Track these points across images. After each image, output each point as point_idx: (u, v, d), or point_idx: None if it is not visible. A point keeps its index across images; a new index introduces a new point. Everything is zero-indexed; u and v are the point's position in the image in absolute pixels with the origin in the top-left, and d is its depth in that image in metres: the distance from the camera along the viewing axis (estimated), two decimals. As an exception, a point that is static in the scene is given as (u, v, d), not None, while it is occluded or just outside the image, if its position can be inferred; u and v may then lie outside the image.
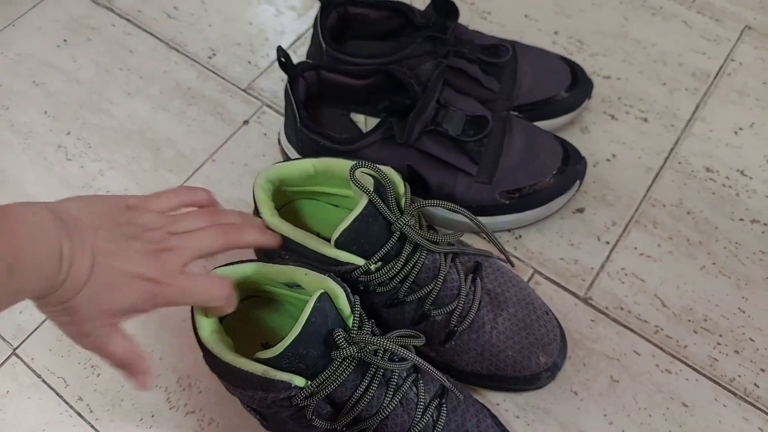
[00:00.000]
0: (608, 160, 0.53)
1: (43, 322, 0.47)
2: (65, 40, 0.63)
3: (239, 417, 0.44)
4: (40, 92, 0.60)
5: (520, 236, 0.50)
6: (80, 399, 0.45)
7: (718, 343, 0.46)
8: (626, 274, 0.48)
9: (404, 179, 0.41)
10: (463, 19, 0.58)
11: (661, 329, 0.46)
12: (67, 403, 0.45)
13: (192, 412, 0.44)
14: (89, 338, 0.32)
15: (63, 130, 0.57)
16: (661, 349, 0.46)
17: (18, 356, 0.46)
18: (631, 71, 0.57)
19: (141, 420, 0.44)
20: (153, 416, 0.44)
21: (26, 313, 0.48)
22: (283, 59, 0.43)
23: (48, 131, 0.57)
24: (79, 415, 0.44)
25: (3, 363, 0.46)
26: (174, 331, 0.47)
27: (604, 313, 0.47)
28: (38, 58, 0.62)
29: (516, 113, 0.49)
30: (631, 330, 0.46)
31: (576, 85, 0.51)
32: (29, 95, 0.60)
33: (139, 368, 0.33)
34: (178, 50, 0.62)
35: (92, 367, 0.46)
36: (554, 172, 0.47)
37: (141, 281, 0.32)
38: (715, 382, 0.44)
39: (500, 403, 0.44)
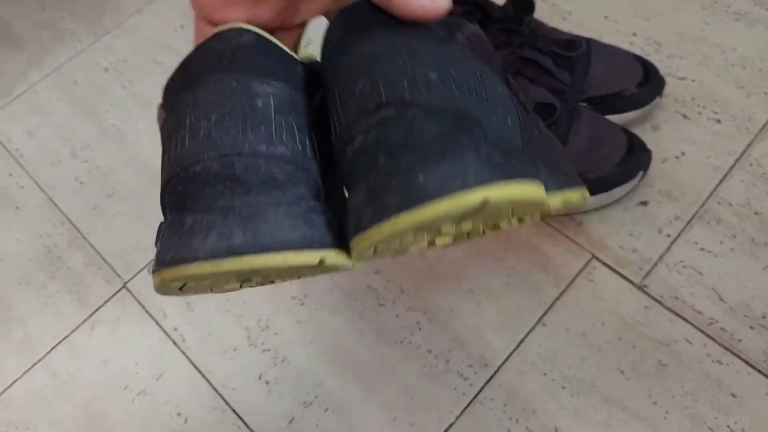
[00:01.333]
0: (677, 157, 0.55)
1: (149, 263, 0.55)
2: (182, 26, 0.72)
3: (308, 359, 0.49)
4: (159, 70, 0.68)
5: (581, 223, 0.52)
6: (176, 329, 0.52)
7: (774, 340, 0.46)
8: (684, 267, 0.50)
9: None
10: (543, 19, 0.61)
11: (716, 321, 0.47)
12: (164, 332, 0.52)
13: (268, 350, 0.50)
14: None
15: (176, 103, 0.66)
16: (713, 340, 0.47)
17: (128, 289, 0.54)
18: (708, 74, 0.58)
19: (224, 352, 0.50)
20: (235, 350, 0.50)
21: (137, 253, 0.56)
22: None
23: (164, 103, 0.66)
24: (174, 342, 0.51)
25: (115, 294, 0.54)
26: (257, 281, 0.53)
27: (658, 301, 0.49)
28: (159, 40, 0.71)
29: (585, 105, 0.52)
30: (685, 319, 0.48)
31: (647, 82, 0.53)
32: (150, 72, 0.68)
33: None
34: (279, 38, 0.69)
35: (187, 303, 0.53)
36: (617, 161, 0.49)
37: None
38: (768, 377, 0.45)
39: (547, 372, 0.47)
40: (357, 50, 0.28)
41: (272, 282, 0.32)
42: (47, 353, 0.52)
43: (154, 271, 0.27)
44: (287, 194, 0.27)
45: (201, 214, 0.26)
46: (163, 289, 0.28)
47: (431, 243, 0.30)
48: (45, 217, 0.59)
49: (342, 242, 0.28)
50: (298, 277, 0.32)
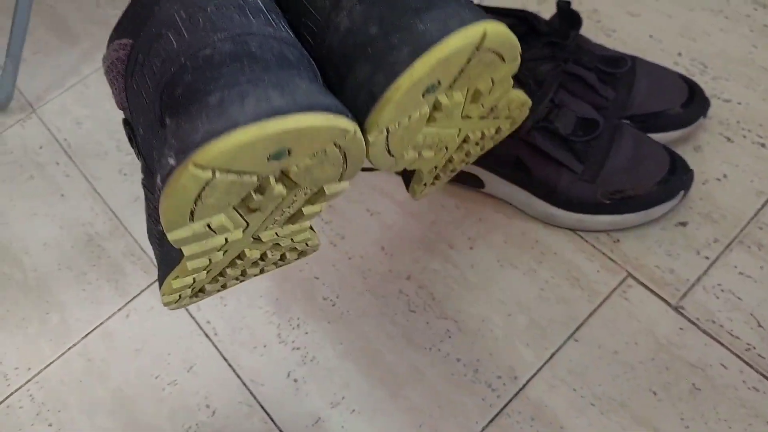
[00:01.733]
0: (718, 179, 0.54)
1: (186, 256, 0.56)
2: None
3: (337, 359, 0.49)
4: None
5: (618, 240, 0.52)
6: (208, 322, 0.52)
7: (814, 371, 0.45)
8: (722, 290, 0.49)
9: (511, 168, 0.45)
10: (587, 36, 0.61)
11: (754, 348, 0.46)
12: (197, 324, 0.53)
13: (298, 348, 0.50)
14: None
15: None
16: (750, 366, 0.46)
17: (163, 280, 0.55)
18: (754, 97, 0.58)
19: (254, 348, 0.51)
20: (265, 346, 0.51)
21: (175, 246, 0.57)
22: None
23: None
24: (206, 335, 0.52)
25: (151, 284, 0.55)
26: (291, 277, 0.54)
27: (694, 324, 0.48)
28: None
29: (628, 122, 0.52)
30: (721, 344, 0.47)
31: (692, 102, 0.52)
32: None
33: None
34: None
35: (221, 298, 0.53)
36: (658, 179, 0.48)
37: None
38: (806, 408, 0.44)
39: (577, 389, 0.46)
40: None
41: (290, 216, 0.31)
42: (83, 338, 0.53)
43: (174, 167, 0.24)
44: (302, 74, 0.27)
45: (227, 89, 0.24)
46: (181, 200, 0.25)
47: (439, 150, 0.33)
48: (88, 206, 0.61)
49: None
50: (318, 191, 0.30)
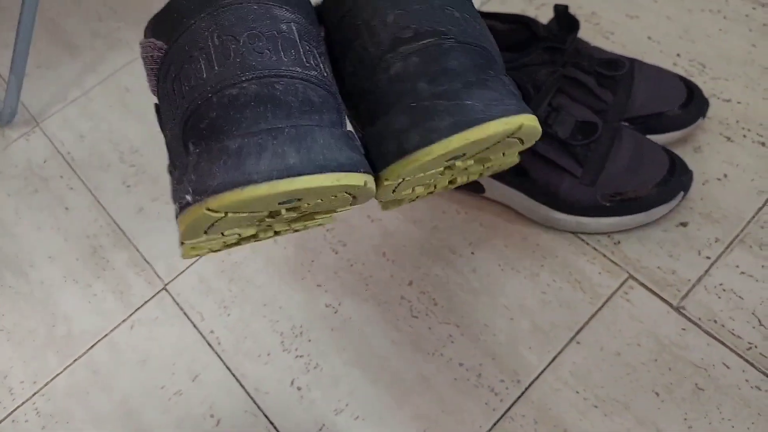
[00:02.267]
0: (719, 179, 0.54)
1: (190, 266, 0.56)
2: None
3: (342, 367, 0.50)
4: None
5: (619, 242, 0.52)
6: (212, 332, 0.53)
7: (818, 370, 0.45)
8: (724, 290, 0.49)
9: (511, 173, 0.46)
10: (586, 39, 0.61)
11: (755, 347, 0.46)
12: (201, 334, 0.53)
13: (301, 356, 0.51)
14: None
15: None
16: (752, 365, 0.46)
17: (167, 291, 0.56)
18: (754, 97, 0.58)
19: (258, 356, 0.51)
20: (269, 354, 0.51)
21: (178, 255, 0.57)
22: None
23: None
24: (210, 345, 0.52)
25: (155, 295, 0.56)
26: (293, 285, 0.54)
27: (695, 324, 0.48)
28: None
29: (627, 124, 0.52)
30: (723, 343, 0.47)
31: (691, 102, 0.52)
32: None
33: None
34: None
35: (224, 307, 0.54)
36: (658, 180, 0.49)
37: None
38: (810, 407, 0.44)
39: (580, 391, 0.46)
40: None
41: (300, 217, 0.32)
42: (88, 350, 0.54)
43: (190, 204, 0.25)
44: (324, 118, 0.27)
45: (246, 137, 0.25)
46: (195, 226, 0.26)
47: (429, 187, 0.34)
48: (93, 218, 0.61)
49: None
50: (328, 212, 0.32)
